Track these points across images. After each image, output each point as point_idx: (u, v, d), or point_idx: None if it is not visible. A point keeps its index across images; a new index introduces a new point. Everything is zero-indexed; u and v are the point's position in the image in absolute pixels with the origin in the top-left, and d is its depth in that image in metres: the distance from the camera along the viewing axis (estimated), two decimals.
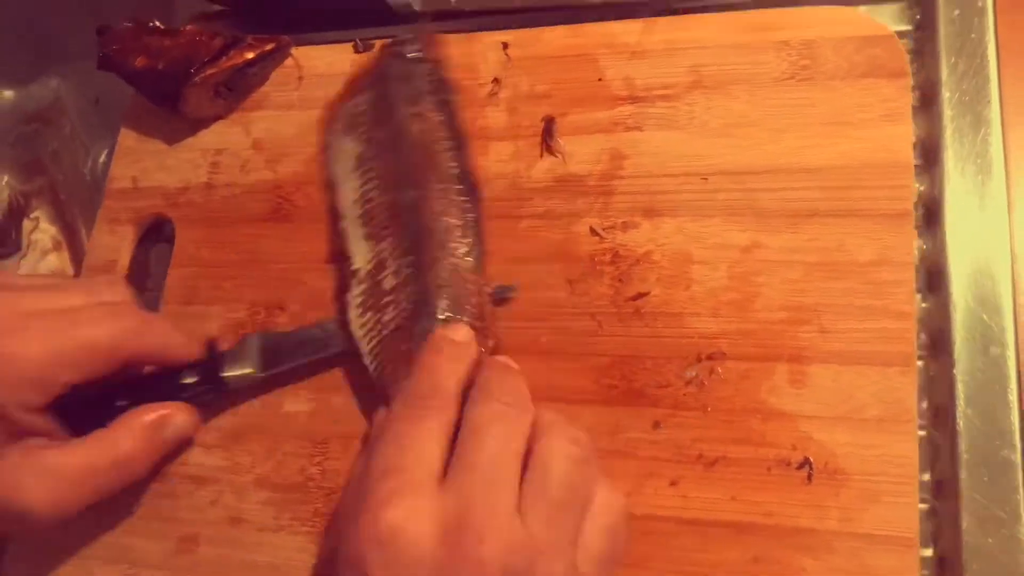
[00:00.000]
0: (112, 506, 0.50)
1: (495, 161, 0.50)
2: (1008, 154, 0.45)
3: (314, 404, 0.49)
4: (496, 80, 0.52)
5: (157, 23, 0.57)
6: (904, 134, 0.44)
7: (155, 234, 0.58)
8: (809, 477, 0.40)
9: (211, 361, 0.48)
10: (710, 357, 0.43)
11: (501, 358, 0.43)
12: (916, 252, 0.43)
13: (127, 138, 0.59)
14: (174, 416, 0.47)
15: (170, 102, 0.56)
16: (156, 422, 0.46)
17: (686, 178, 0.46)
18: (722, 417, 0.42)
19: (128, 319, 0.46)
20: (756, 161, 0.45)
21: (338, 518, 0.38)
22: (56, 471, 0.43)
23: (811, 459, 0.41)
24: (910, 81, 0.45)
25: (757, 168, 0.45)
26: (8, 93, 0.71)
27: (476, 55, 0.53)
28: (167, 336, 0.47)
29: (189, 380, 0.48)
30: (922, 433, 0.42)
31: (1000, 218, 0.44)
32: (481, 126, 0.51)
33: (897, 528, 0.39)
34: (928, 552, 0.41)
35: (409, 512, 0.34)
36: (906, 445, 0.40)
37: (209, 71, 0.54)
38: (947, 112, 0.46)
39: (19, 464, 0.42)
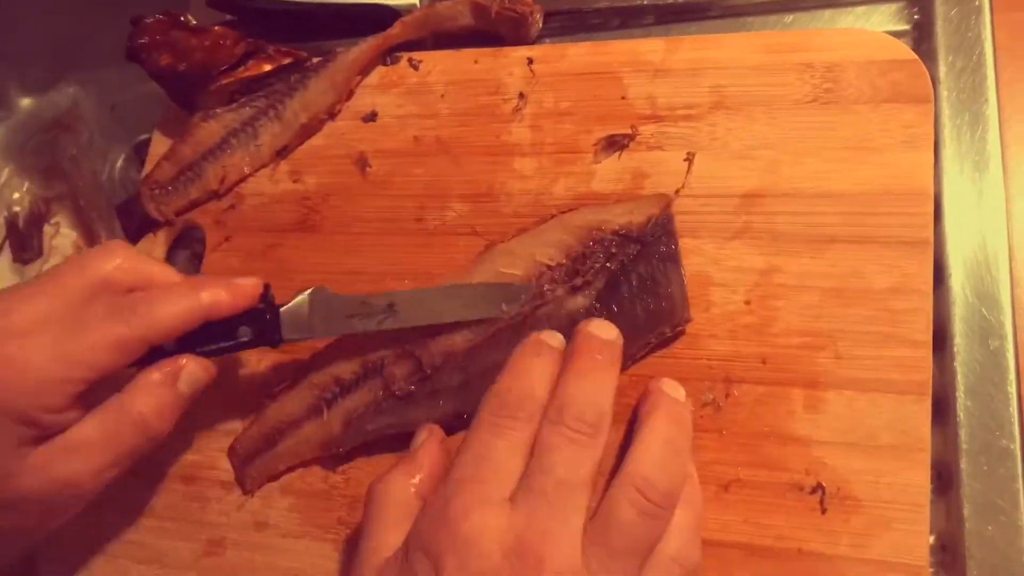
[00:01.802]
0: (144, 508, 0.52)
1: (518, 177, 0.51)
2: (1005, 151, 0.46)
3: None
4: (521, 95, 0.52)
5: (189, 18, 0.58)
6: (925, 161, 0.44)
7: (186, 241, 0.59)
8: (822, 502, 0.41)
9: (267, 314, 0.47)
10: (726, 380, 0.44)
11: (596, 329, 0.42)
12: None
13: (159, 143, 0.60)
14: (186, 368, 0.46)
15: (187, 104, 0.57)
16: (167, 377, 0.45)
17: (706, 199, 0.47)
18: (737, 440, 0.43)
19: (136, 309, 0.44)
20: (776, 184, 0.46)
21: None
22: (78, 447, 0.43)
23: (824, 484, 0.41)
24: (933, 107, 0.45)
25: (777, 191, 0.46)
26: (27, 101, 0.72)
27: (501, 69, 0.53)
28: (191, 305, 0.45)
29: (244, 338, 0.47)
30: None
31: (998, 214, 0.45)
32: (505, 142, 0.52)
33: (908, 556, 0.39)
34: (930, 540, 0.42)
35: (482, 526, 0.36)
36: (918, 473, 0.40)
37: (224, 80, 0.56)
38: (945, 110, 0.47)
39: (50, 456, 0.43)
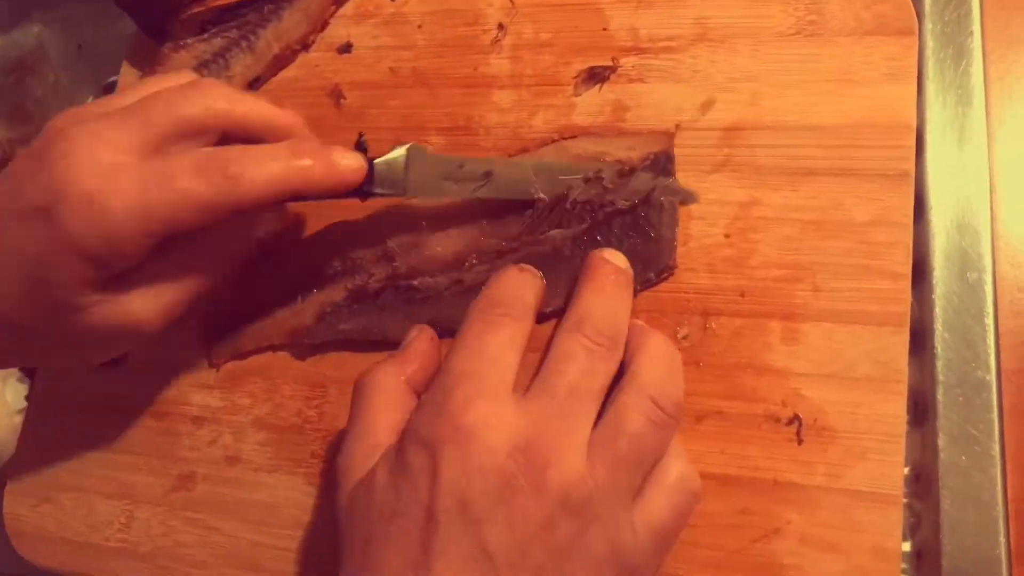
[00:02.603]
0: (113, 444, 0.51)
1: (497, 110, 0.50)
2: (989, 85, 0.46)
3: (314, 349, 0.49)
4: (500, 26, 0.51)
5: None
6: (908, 94, 0.43)
7: None
8: (798, 433, 0.41)
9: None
10: (704, 313, 0.44)
11: (609, 257, 0.42)
12: None
13: (128, 75, 0.59)
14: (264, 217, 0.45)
15: (158, 34, 0.55)
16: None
17: (687, 132, 0.46)
18: (714, 372, 0.43)
19: (227, 170, 0.40)
20: (758, 117, 0.45)
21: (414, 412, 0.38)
22: (150, 285, 0.42)
23: (800, 416, 0.41)
24: (917, 40, 0.44)
25: (758, 124, 0.45)
26: None
27: (481, 0, 0.52)
28: (284, 180, 0.41)
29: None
30: None
31: (980, 147, 0.45)
32: (484, 73, 0.51)
33: (882, 485, 0.39)
34: (905, 470, 0.42)
35: (486, 418, 0.35)
36: (895, 404, 0.40)
37: (195, 9, 0.54)
38: (929, 43, 0.47)
39: (118, 295, 0.41)
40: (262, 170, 0.41)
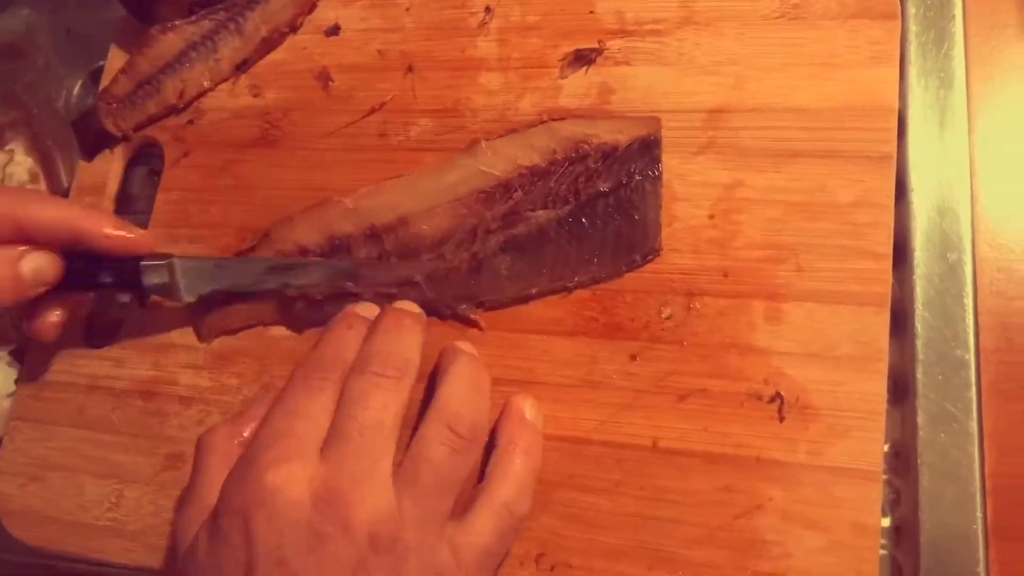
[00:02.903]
0: (101, 425, 0.51)
1: (484, 92, 0.50)
2: (970, 68, 0.46)
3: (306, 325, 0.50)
4: (488, 9, 0.51)
5: None
6: (890, 77, 0.44)
7: (144, 158, 0.58)
8: (780, 411, 0.42)
9: (132, 268, 0.47)
10: (688, 293, 0.44)
11: (400, 305, 0.44)
12: None
13: (116, 58, 0.59)
14: (31, 253, 0.45)
15: (147, 17, 0.55)
16: (9, 254, 0.44)
17: (672, 115, 0.46)
18: (697, 352, 0.43)
19: (11, 191, 0.47)
20: (742, 100, 0.46)
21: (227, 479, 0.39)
22: None
23: (783, 394, 0.42)
24: (900, 24, 0.45)
25: (743, 107, 0.45)
26: None
27: None
28: (69, 210, 0.46)
29: (106, 279, 0.47)
30: None
31: (961, 130, 0.46)
32: (471, 56, 0.51)
33: (863, 462, 0.40)
34: (885, 447, 0.43)
35: (289, 476, 0.36)
36: (875, 383, 0.41)
37: None
38: (912, 27, 0.47)
39: None
40: (54, 205, 0.46)
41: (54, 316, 0.48)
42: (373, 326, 0.42)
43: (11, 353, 0.64)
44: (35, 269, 0.45)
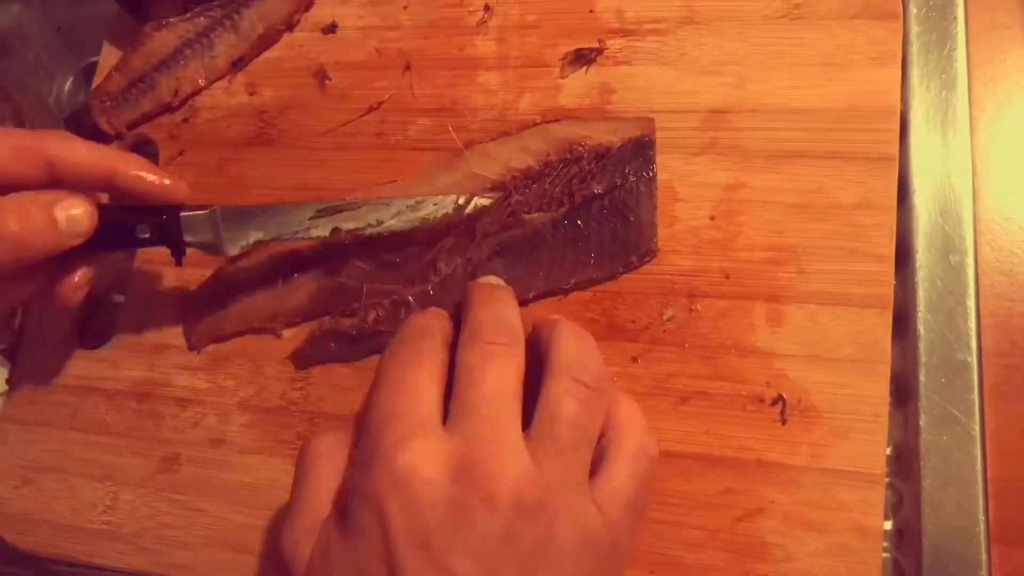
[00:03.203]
0: (95, 427, 0.51)
1: (483, 91, 0.50)
2: (972, 69, 0.46)
3: (296, 330, 0.49)
4: (487, 8, 0.51)
5: None
6: (892, 78, 0.44)
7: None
8: (782, 413, 0.41)
9: (172, 219, 0.45)
10: (689, 295, 0.44)
11: (487, 280, 0.43)
12: None
13: (109, 56, 0.58)
14: (67, 199, 0.42)
15: (140, 14, 0.55)
16: (42, 198, 0.42)
17: (672, 115, 0.46)
18: (699, 353, 0.43)
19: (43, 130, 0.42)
20: (743, 100, 0.45)
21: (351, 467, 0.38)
22: None
23: (784, 396, 0.41)
24: (902, 24, 0.44)
25: (744, 107, 0.45)
26: None
27: None
28: (101, 151, 0.44)
29: (143, 234, 0.45)
30: None
31: (963, 132, 0.45)
32: (470, 55, 0.50)
33: (865, 464, 0.40)
34: (887, 450, 0.42)
35: (419, 455, 0.34)
36: (877, 385, 0.41)
37: None
38: (914, 27, 0.47)
39: None
40: (88, 146, 0.43)
41: (81, 276, 0.45)
42: (469, 301, 0.40)
43: (2, 352, 0.64)
44: (71, 217, 0.42)
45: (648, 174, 0.45)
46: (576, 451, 0.36)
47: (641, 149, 0.45)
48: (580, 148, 0.46)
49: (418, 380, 0.37)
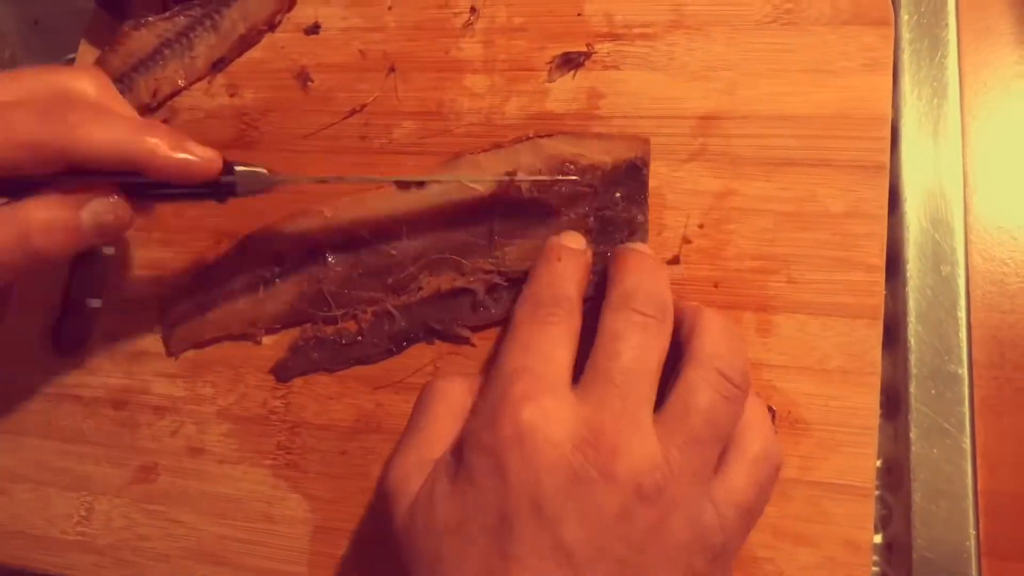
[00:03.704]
0: (70, 435, 0.49)
1: (469, 95, 0.49)
2: (964, 77, 0.46)
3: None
4: (473, 10, 0.50)
5: None
6: (884, 85, 0.43)
7: None
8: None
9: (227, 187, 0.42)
10: None
11: (638, 246, 0.42)
12: None
13: (86, 54, 0.57)
14: (95, 200, 0.39)
15: (118, 11, 0.54)
16: (69, 199, 0.39)
17: (662, 120, 0.46)
18: None
19: (66, 117, 0.38)
20: (733, 107, 0.45)
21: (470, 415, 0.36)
22: None
23: (774, 408, 0.41)
24: (893, 31, 0.44)
25: (734, 114, 0.45)
26: None
27: None
28: (127, 141, 0.38)
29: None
30: None
31: (954, 140, 0.45)
32: (456, 58, 0.50)
33: (855, 478, 0.39)
34: (877, 463, 0.42)
35: (547, 412, 0.33)
36: (867, 397, 0.40)
37: None
38: (905, 34, 0.46)
39: None
40: (105, 129, 0.38)
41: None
42: (620, 266, 0.39)
43: None
44: (100, 224, 0.39)
45: (641, 196, 0.44)
46: (706, 446, 0.35)
47: (634, 171, 0.44)
48: (572, 166, 0.45)
49: (553, 341, 0.36)
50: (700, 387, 0.35)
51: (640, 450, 0.33)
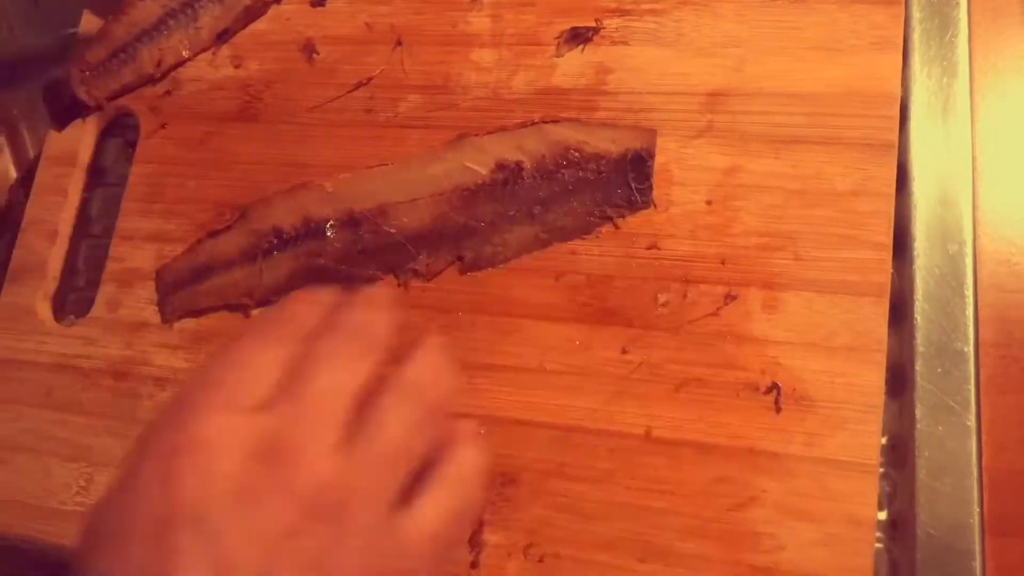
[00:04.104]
0: (71, 405, 0.49)
1: (476, 69, 0.48)
2: (974, 57, 0.45)
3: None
4: None
5: None
6: (893, 64, 0.43)
7: (118, 129, 0.56)
8: (776, 402, 0.41)
9: None
10: (684, 280, 0.43)
11: (375, 290, 0.40)
12: None
13: (90, 23, 0.56)
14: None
15: None
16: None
17: (670, 96, 0.45)
18: (693, 340, 0.42)
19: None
20: (742, 83, 0.45)
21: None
22: None
23: (779, 384, 0.41)
24: (903, 10, 0.44)
25: (743, 91, 0.44)
26: None
27: None
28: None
29: None
30: None
31: (963, 120, 0.45)
32: (463, 31, 0.49)
33: (859, 454, 0.39)
34: (882, 440, 0.42)
35: (224, 425, 0.32)
36: (873, 374, 0.40)
37: None
38: (916, 13, 0.46)
39: None
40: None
41: None
42: (346, 302, 0.38)
43: None
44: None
45: (645, 186, 0.44)
46: (388, 470, 0.34)
47: (639, 162, 0.44)
48: (576, 154, 0.45)
49: (261, 362, 0.35)
50: (392, 410, 0.35)
51: (320, 468, 0.32)
